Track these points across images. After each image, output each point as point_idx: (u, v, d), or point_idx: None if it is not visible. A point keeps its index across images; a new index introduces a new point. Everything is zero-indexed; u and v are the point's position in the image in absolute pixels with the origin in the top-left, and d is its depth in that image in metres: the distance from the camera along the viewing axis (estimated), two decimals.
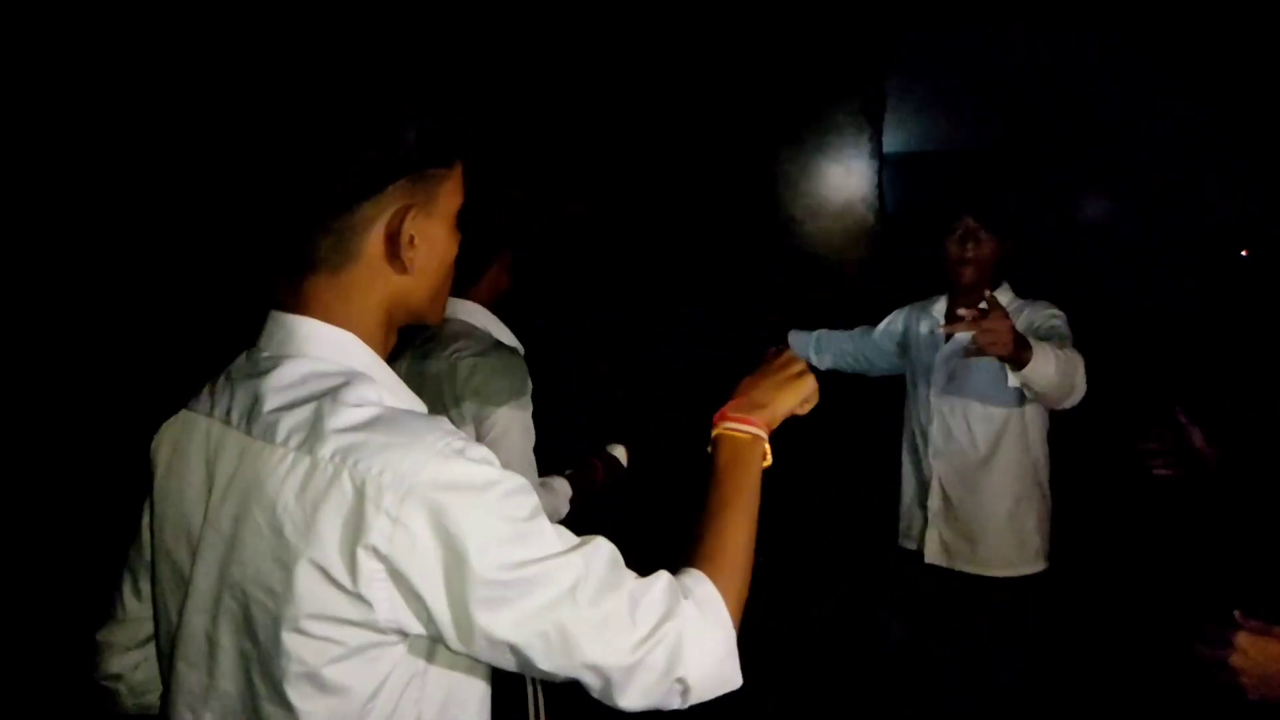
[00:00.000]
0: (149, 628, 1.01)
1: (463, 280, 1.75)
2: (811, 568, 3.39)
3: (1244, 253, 4.19)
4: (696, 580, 0.89)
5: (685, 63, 3.49)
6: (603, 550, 0.84)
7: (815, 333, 2.69)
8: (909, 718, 2.27)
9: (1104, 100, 4.11)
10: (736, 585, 0.92)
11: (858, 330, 2.58)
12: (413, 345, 1.79)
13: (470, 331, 1.77)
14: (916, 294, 2.50)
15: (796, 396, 1.09)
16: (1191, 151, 4.01)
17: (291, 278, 0.88)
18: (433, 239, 0.90)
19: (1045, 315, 2.14)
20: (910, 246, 2.64)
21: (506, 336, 1.84)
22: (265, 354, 0.88)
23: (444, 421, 0.83)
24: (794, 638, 3.12)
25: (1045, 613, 2.24)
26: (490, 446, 1.64)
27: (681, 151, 3.58)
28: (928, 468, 2.27)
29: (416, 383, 1.72)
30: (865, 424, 2.81)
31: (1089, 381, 1.95)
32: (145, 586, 1.01)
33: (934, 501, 2.26)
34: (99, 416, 2.50)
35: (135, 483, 0.99)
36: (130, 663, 1.03)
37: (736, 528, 0.96)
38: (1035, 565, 2.19)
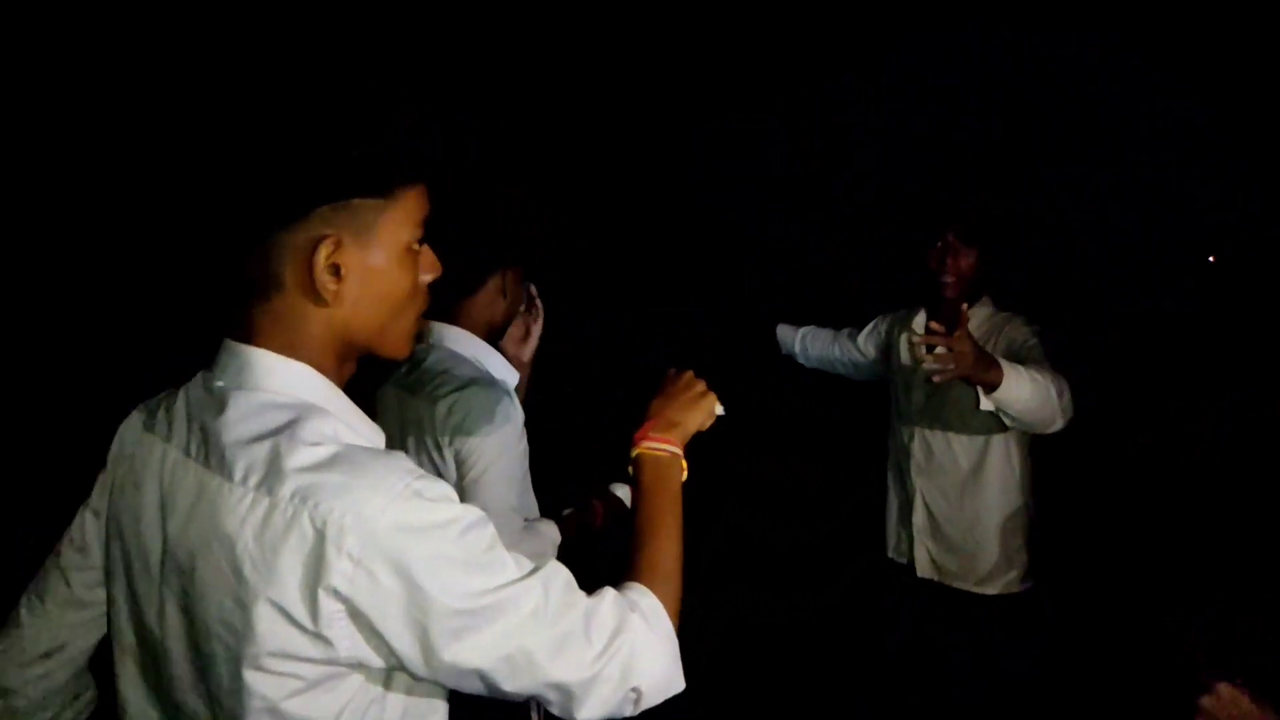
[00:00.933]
0: (49, 640, 1.00)
1: (449, 300, 1.67)
2: (817, 554, 3.39)
3: (1210, 259, 4.19)
4: (640, 593, 0.94)
5: (682, 62, 3.49)
6: (559, 573, 0.88)
7: (801, 330, 2.67)
8: (918, 707, 2.27)
9: (1104, 100, 4.11)
10: (673, 594, 0.97)
11: (843, 332, 2.57)
12: (398, 374, 1.70)
13: (455, 364, 1.66)
14: (906, 290, 2.48)
15: (702, 413, 1.19)
16: (1191, 151, 4.00)
17: (235, 302, 0.89)
18: (368, 272, 0.88)
19: (1025, 333, 2.10)
20: (900, 233, 2.62)
21: (497, 366, 1.72)
22: (219, 383, 0.88)
23: (402, 459, 0.84)
24: (800, 625, 3.12)
25: (1059, 601, 2.24)
26: (471, 486, 1.55)
27: (679, 150, 3.58)
28: (910, 484, 2.26)
29: (400, 416, 1.67)
30: (869, 408, 2.81)
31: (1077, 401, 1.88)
32: (59, 590, 0.99)
33: (918, 518, 2.25)
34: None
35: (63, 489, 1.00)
36: (26, 677, 1.00)
37: (668, 540, 1.01)
38: (1023, 584, 2.19)
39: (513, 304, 1.76)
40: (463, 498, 1.61)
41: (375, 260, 0.88)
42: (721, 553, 3.33)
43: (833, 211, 4.26)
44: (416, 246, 0.93)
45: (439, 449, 1.60)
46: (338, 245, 0.85)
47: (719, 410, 1.17)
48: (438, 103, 3.02)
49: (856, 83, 4.01)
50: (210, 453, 0.84)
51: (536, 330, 1.82)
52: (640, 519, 1.04)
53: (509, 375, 1.72)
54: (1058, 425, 1.87)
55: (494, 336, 1.74)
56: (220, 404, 0.86)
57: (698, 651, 1.09)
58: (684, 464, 1.12)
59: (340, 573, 0.76)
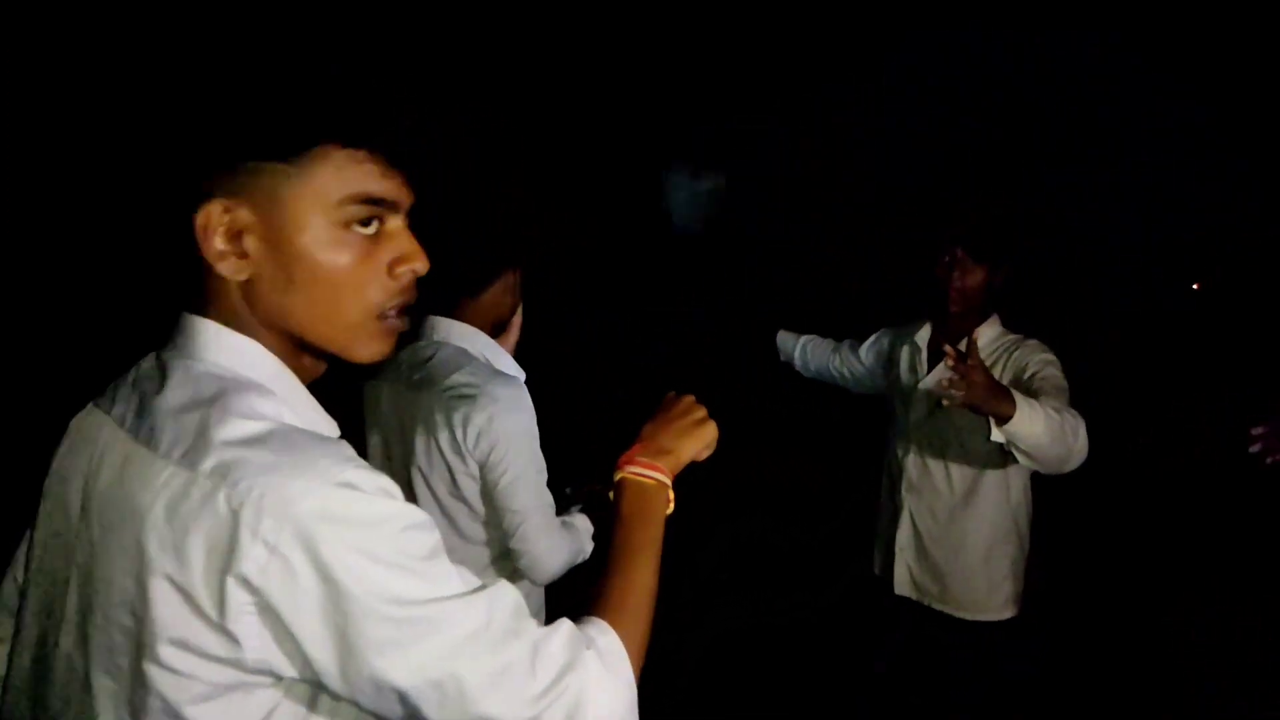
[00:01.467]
0: None
1: (456, 295, 1.64)
2: (817, 554, 3.39)
3: (1195, 286, 4.20)
4: (600, 630, 0.85)
5: (683, 62, 3.49)
6: (508, 595, 0.78)
7: (802, 338, 2.60)
8: (918, 707, 2.25)
9: (1104, 100, 4.11)
10: (639, 635, 0.88)
11: (844, 344, 2.51)
12: (397, 369, 1.66)
13: (467, 362, 1.61)
14: (906, 289, 2.45)
15: (699, 443, 1.07)
16: (1191, 151, 4.01)
17: (187, 272, 0.82)
18: (280, 249, 0.78)
19: (1039, 360, 1.99)
20: (900, 232, 2.59)
21: (506, 364, 1.67)
22: (166, 354, 0.82)
23: (343, 446, 0.76)
24: (800, 625, 3.12)
25: (1058, 604, 2.21)
26: (506, 491, 1.54)
27: (679, 150, 3.58)
28: (900, 500, 2.21)
29: (399, 414, 1.64)
30: (869, 410, 2.81)
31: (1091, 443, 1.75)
32: (11, 597, 0.92)
33: (903, 534, 2.19)
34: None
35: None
36: None
37: (641, 576, 0.93)
38: (1004, 612, 2.11)
39: (517, 301, 1.72)
40: (498, 501, 1.54)
41: (288, 236, 0.78)
42: (721, 553, 3.33)
43: (833, 211, 4.26)
44: (364, 226, 0.80)
45: (457, 450, 1.55)
46: (227, 212, 0.77)
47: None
48: (438, 103, 3.02)
49: (856, 83, 4.01)
50: (140, 424, 0.77)
51: (517, 322, 1.77)
52: (615, 549, 0.94)
53: (518, 373, 1.69)
54: (1069, 466, 1.77)
55: (497, 333, 1.70)
56: (162, 374, 0.80)
57: (699, 651, 1.08)
58: (671, 495, 1.02)
59: (252, 560, 0.68)
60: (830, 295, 3.76)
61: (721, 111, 3.70)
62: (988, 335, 2.08)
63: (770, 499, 3.58)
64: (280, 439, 0.73)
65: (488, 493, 1.57)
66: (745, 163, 4.00)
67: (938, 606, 2.16)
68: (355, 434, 1.72)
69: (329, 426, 0.85)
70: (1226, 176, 3.99)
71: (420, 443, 1.60)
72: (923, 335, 2.23)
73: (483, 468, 1.55)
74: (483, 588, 0.76)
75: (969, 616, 2.12)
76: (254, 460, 0.70)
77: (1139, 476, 3.36)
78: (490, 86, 3.18)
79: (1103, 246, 4.14)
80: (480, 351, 1.65)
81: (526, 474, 1.54)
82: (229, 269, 0.77)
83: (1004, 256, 2.05)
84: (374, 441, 1.72)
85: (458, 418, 1.54)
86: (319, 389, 0.88)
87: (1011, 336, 2.11)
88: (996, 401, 1.65)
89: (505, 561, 1.61)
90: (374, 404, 1.71)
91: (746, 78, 3.62)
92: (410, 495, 1.61)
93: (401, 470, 1.64)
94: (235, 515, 0.68)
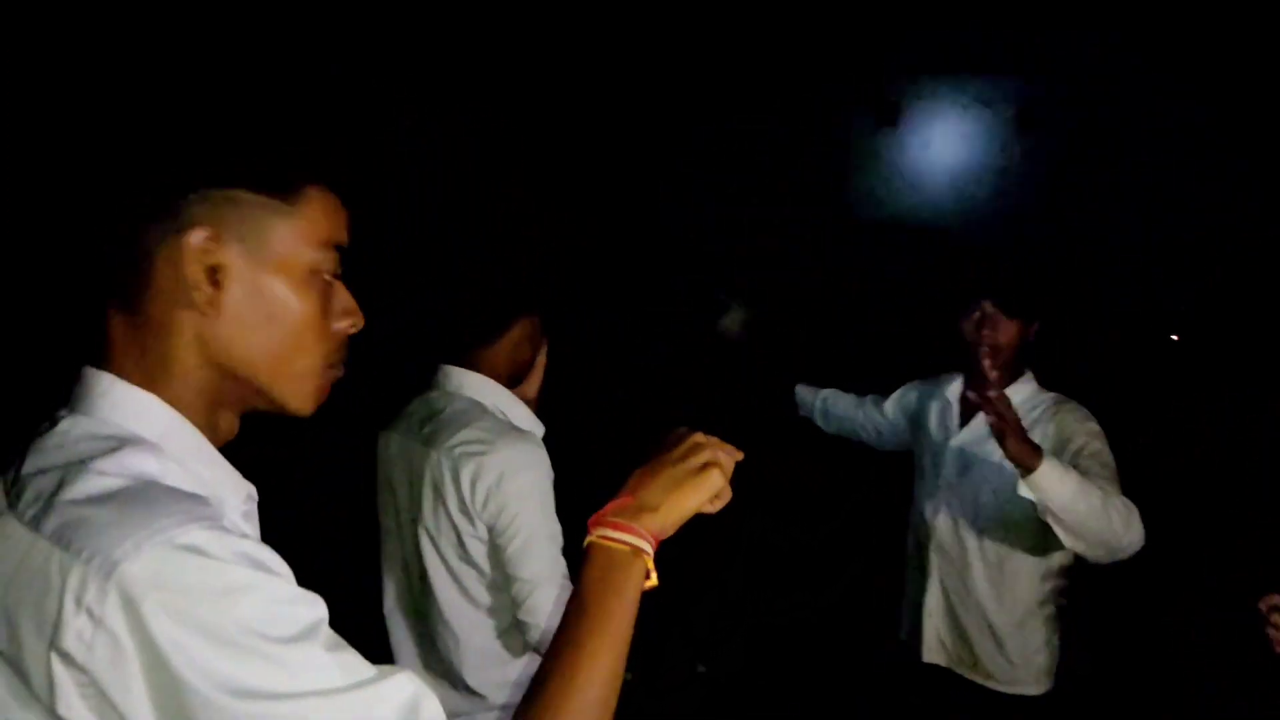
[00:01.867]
0: None
1: (470, 343, 1.55)
2: (817, 554, 3.40)
3: (1174, 338, 4.17)
4: None
5: (683, 62, 3.49)
6: (398, 691, 0.65)
7: (822, 392, 2.48)
8: (918, 707, 2.23)
9: (1104, 100, 4.12)
10: None
11: (868, 399, 2.39)
12: (409, 421, 1.57)
13: (479, 416, 1.50)
14: (907, 289, 2.41)
15: (698, 496, 0.86)
16: (1191, 151, 4.01)
17: (94, 314, 0.74)
18: (256, 285, 0.73)
19: (1085, 433, 1.86)
20: (900, 234, 2.58)
21: (522, 417, 1.56)
22: (62, 411, 0.73)
23: (206, 506, 0.66)
24: (800, 625, 3.12)
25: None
26: (514, 557, 1.43)
27: (680, 149, 3.58)
28: (928, 562, 2.08)
29: (409, 470, 1.54)
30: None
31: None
32: None
33: (932, 598, 2.07)
34: None
35: None
36: None
37: (591, 668, 0.75)
38: (1039, 686, 2.01)
39: (536, 349, 1.62)
40: (507, 568, 1.42)
41: (267, 272, 0.73)
42: (722, 553, 3.33)
43: (832, 211, 4.26)
44: (329, 277, 0.77)
45: (465, 511, 1.45)
46: (216, 241, 0.71)
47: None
48: (438, 102, 3.02)
49: (856, 83, 4.01)
50: (14, 486, 0.69)
51: (539, 371, 1.66)
52: (565, 631, 0.78)
53: (535, 428, 1.58)
54: (1121, 555, 1.65)
55: (515, 384, 1.60)
56: (47, 432, 0.72)
57: (699, 650, 1.05)
58: (650, 566, 0.81)
59: (75, 633, 0.58)
60: (831, 295, 3.76)
61: (721, 111, 3.70)
62: (1022, 394, 1.94)
63: (770, 499, 3.58)
64: (132, 495, 0.64)
65: (496, 558, 1.47)
66: (745, 163, 4.00)
67: (969, 676, 2.04)
68: (370, 487, 1.65)
69: (236, 488, 0.77)
70: (1226, 176, 3.99)
71: (428, 502, 1.50)
72: (954, 390, 2.09)
73: (491, 531, 1.45)
74: (366, 683, 0.64)
75: (1000, 689, 2.00)
76: (94, 520, 0.61)
77: (1139, 476, 3.36)
78: (490, 86, 3.18)
79: (1103, 246, 4.14)
80: (495, 404, 1.54)
81: (538, 539, 1.43)
82: (204, 301, 0.72)
83: (1039, 309, 1.93)
84: (383, 497, 1.63)
85: (466, 476, 1.43)
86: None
87: (1048, 395, 1.98)
88: (1019, 442, 1.55)
89: (518, 632, 1.50)
90: (384, 456, 1.62)
91: (746, 78, 3.62)
92: (418, 556, 1.53)
93: (409, 529, 1.55)
94: (63, 581, 0.60)
